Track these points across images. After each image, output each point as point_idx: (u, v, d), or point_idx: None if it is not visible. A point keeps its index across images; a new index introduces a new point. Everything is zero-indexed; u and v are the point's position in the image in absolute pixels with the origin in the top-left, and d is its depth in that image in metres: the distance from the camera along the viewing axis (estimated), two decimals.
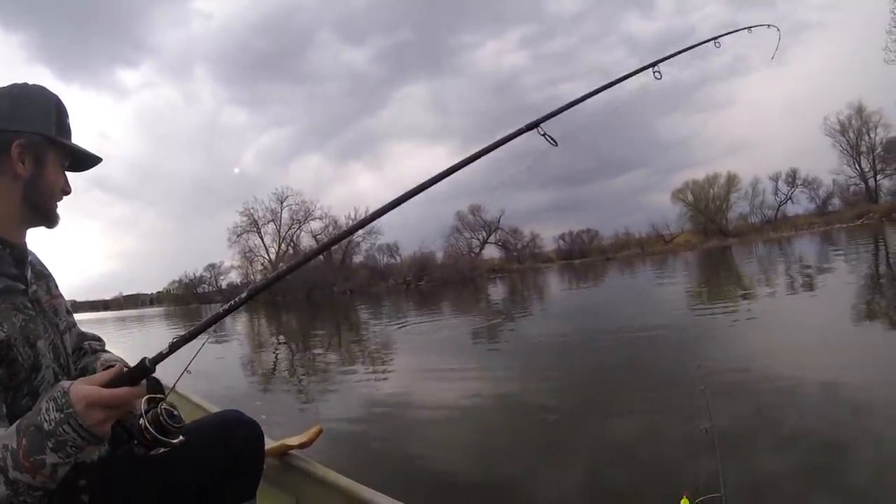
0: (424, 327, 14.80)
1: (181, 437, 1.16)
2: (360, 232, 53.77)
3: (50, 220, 1.38)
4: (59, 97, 1.38)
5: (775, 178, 55.21)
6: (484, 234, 60.64)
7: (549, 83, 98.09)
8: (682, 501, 3.19)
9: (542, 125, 1.41)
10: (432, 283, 46.87)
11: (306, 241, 57.00)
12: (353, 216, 54.68)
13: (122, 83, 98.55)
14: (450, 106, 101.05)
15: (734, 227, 54.48)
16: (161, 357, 1.12)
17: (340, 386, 8.17)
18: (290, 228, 56.99)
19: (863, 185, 51.17)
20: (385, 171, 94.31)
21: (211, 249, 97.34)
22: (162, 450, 1.14)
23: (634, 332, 9.08)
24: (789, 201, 55.47)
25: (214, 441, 1.53)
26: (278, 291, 48.75)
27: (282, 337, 17.67)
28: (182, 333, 1.15)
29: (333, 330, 17.83)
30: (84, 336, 1.61)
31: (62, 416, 1.02)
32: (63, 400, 1.03)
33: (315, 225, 56.93)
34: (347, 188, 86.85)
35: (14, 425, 1.05)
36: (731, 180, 55.14)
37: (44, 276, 1.45)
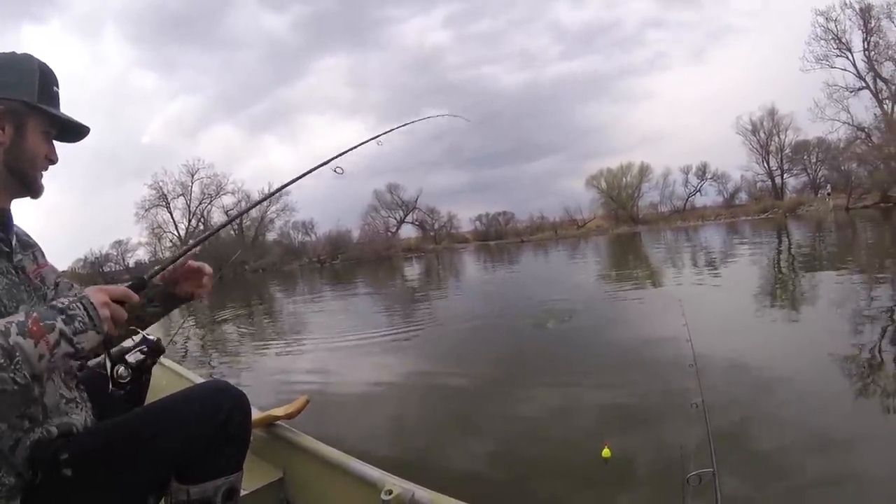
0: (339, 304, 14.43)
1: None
2: (275, 208, 52.65)
3: (32, 189, 1.40)
4: (48, 65, 1.40)
5: (686, 171, 57.59)
6: (401, 213, 60.41)
7: (472, 64, 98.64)
8: (604, 451, 3.20)
9: (336, 160, 1.75)
10: (347, 261, 46.33)
11: (217, 217, 54.77)
12: (266, 191, 53.41)
13: (25, 40, 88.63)
14: (369, 80, 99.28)
15: (644, 215, 56.52)
16: (154, 273, 1.50)
17: (251, 362, 7.89)
18: (200, 203, 54.52)
19: (769, 182, 54.38)
20: (299, 146, 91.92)
21: (117, 225, 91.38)
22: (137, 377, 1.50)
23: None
24: (698, 193, 58.00)
25: (200, 411, 1.44)
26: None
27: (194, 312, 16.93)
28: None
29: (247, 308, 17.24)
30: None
31: (75, 297, 1.22)
32: (75, 291, 1.37)
33: (227, 200, 54.61)
34: (260, 162, 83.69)
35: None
36: (644, 170, 57.05)
37: (30, 246, 1.49)
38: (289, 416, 2.32)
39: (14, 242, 1.38)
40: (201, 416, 1.43)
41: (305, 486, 2.15)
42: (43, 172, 1.41)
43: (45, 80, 1.37)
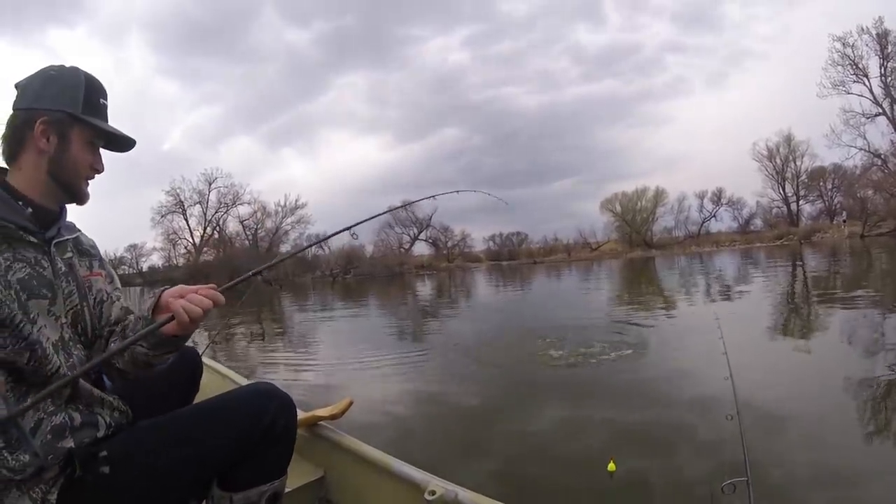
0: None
1: None
2: (290, 220, 52.87)
3: (75, 196, 1.43)
4: (97, 78, 1.42)
5: (701, 196, 57.45)
6: (415, 230, 60.35)
7: (492, 85, 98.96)
8: (610, 465, 3.23)
9: (263, 272, 1.63)
10: (359, 276, 46.30)
11: (233, 227, 55.20)
12: (283, 203, 53.76)
13: (53, 44, 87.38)
14: (389, 98, 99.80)
15: (658, 240, 56.12)
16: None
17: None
18: (216, 212, 54.83)
19: (785, 209, 54.12)
20: (319, 160, 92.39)
21: (132, 229, 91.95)
22: None
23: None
24: (713, 218, 57.72)
25: (244, 414, 1.44)
26: (200, 278, 47.19)
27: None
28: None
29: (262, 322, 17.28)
30: (128, 310, 1.59)
31: None
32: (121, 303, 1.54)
33: (243, 210, 55.01)
34: (278, 174, 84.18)
35: None
36: (659, 195, 56.75)
37: (88, 255, 1.51)
38: (333, 417, 2.35)
39: (59, 240, 1.39)
40: (246, 420, 1.42)
41: (346, 486, 2.17)
42: (88, 181, 1.44)
43: (90, 92, 1.40)
